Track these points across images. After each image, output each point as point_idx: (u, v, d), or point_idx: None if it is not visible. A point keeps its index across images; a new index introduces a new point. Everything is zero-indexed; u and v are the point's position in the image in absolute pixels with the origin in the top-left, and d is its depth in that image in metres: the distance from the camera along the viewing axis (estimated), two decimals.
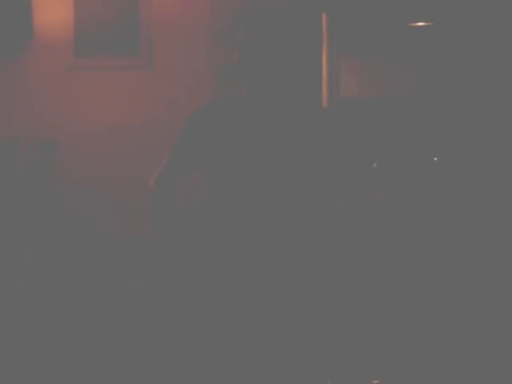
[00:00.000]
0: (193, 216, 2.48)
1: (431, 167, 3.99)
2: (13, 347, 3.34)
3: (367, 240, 3.49)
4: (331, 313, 2.40)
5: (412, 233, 3.70)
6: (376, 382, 3.21)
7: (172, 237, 2.47)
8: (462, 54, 4.00)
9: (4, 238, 3.50)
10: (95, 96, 3.96)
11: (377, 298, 3.50)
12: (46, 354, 3.40)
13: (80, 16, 3.98)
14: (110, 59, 3.95)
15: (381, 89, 4.21)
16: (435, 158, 3.98)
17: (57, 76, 3.99)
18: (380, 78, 4.23)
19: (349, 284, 3.01)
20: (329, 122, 2.43)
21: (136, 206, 3.77)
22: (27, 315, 3.47)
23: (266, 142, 2.32)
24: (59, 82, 3.98)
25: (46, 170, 3.74)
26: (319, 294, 2.36)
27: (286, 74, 2.40)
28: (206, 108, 2.47)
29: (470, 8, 3.85)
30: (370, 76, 4.22)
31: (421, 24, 4.13)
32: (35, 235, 3.63)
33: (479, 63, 3.90)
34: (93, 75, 3.97)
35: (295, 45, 2.31)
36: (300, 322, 2.33)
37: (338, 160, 2.40)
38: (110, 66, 3.95)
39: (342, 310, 2.54)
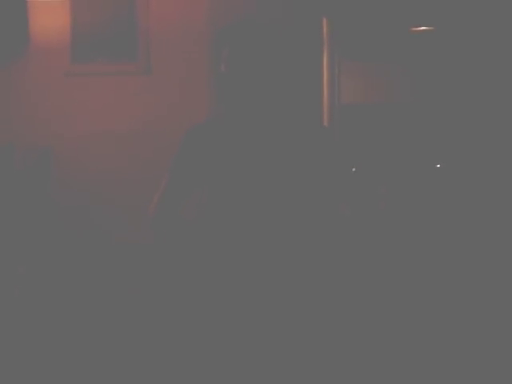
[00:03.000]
0: (195, 232, 2.46)
1: (433, 173, 3.98)
2: (9, 354, 3.33)
3: (370, 246, 3.48)
4: (333, 316, 2.41)
5: (414, 238, 3.70)
6: None
7: (176, 257, 2.48)
8: (463, 59, 4.01)
9: (0, 243, 3.49)
10: (93, 101, 3.94)
11: (378, 302, 3.51)
12: (43, 362, 3.40)
13: (77, 21, 3.96)
14: (108, 65, 3.93)
15: (382, 94, 4.20)
16: (438, 165, 3.96)
17: (54, 81, 3.96)
18: (381, 84, 4.22)
19: (352, 288, 3.00)
20: (328, 134, 2.45)
21: (134, 212, 3.75)
22: (23, 323, 3.46)
23: (265, 154, 2.32)
24: (56, 88, 3.96)
25: (42, 176, 3.73)
26: (321, 298, 2.37)
27: (284, 80, 2.39)
28: (195, 130, 2.46)
29: (470, 13, 3.84)
30: (370, 81, 4.20)
31: (422, 29, 4.13)
32: (32, 242, 3.61)
33: (480, 68, 3.91)
34: (90, 81, 3.95)
35: (294, 51, 2.31)
36: (302, 325, 2.33)
37: (337, 169, 2.40)
38: (107, 72, 3.93)
39: (343, 313, 2.54)
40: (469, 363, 3.34)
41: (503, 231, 3.66)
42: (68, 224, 3.87)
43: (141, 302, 3.65)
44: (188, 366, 2.51)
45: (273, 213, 2.32)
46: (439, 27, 4.00)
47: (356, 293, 3.28)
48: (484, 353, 3.38)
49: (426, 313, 3.58)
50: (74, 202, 3.89)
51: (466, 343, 3.46)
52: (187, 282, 2.48)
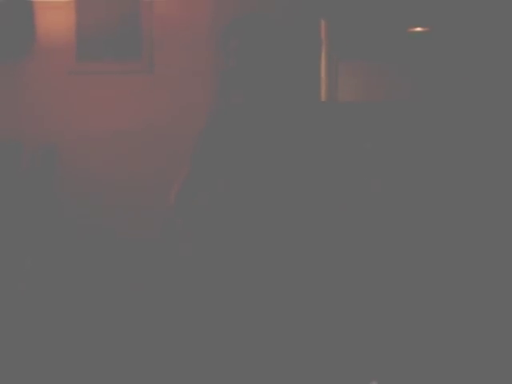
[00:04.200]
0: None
1: (430, 171, 3.99)
2: (13, 350, 3.33)
3: (367, 241, 3.50)
4: (331, 316, 2.40)
5: (414, 238, 3.70)
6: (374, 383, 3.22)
7: (197, 252, 2.42)
8: (461, 59, 4.01)
9: (6, 241, 3.49)
10: (97, 100, 3.96)
11: (377, 301, 3.50)
12: (47, 357, 3.39)
13: (82, 20, 3.98)
14: (112, 63, 3.95)
15: (379, 93, 4.22)
16: (434, 163, 3.99)
17: (59, 80, 3.99)
18: (378, 83, 4.24)
19: (350, 286, 3.02)
20: (327, 126, 2.43)
21: (138, 211, 3.78)
22: (28, 318, 3.46)
23: (267, 147, 2.32)
24: (61, 86, 3.99)
25: (47, 174, 3.73)
26: (319, 297, 2.37)
27: (283, 78, 2.40)
28: (216, 118, 2.45)
29: (468, 13, 3.86)
30: (368, 81, 4.23)
31: (419, 29, 4.14)
32: (37, 239, 3.62)
33: (477, 68, 3.91)
34: (95, 79, 3.97)
35: (293, 50, 2.31)
36: (301, 325, 2.34)
37: (336, 159, 2.39)
38: (111, 70, 3.96)
39: (342, 313, 2.55)
40: (469, 363, 3.32)
41: (503, 231, 3.66)
42: (72, 222, 3.89)
43: (143, 298, 3.65)
44: (188, 366, 2.49)
45: (276, 208, 2.32)
46: (436, 27, 4.02)
47: (356, 290, 3.29)
48: (484, 353, 3.35)
49: (426, 312, 3.56)
50: (78, 199, 3.92)
51: (464, 342, 3.44)
52: (189, 279, 2.46)
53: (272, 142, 2.32)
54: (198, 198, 2.38)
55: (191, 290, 2.48)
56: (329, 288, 2.40)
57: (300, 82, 3.67)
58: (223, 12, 3.77)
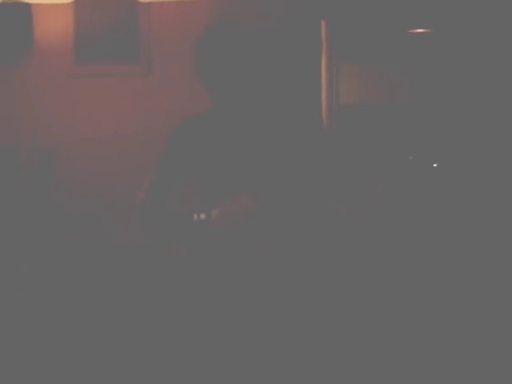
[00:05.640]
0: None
1: (431, 173, 3.99)
2: (10, 356, 3.33)
3: (366, 246, 3.49)
4: (330, 315, 2.41)
5: (412, 238, 3.70)
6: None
7: (164, 245, 2.51)
8: (462, 61, 4.00)
9: (3, 245, 3.49)
10: (95, 103, 3.97)
11: (376, 302, 3.50)
12: (44, 363, 3.39)
13: (80, 23, 3.99)
14: (110, 66, 3.96)
15: (380, 95, 4.21)
16: (434, 165, 3.98)
17: (57, 83, 4.00)
18: (379, 85, 4.23)
19: (349, 287, 3.02)
20: (326, 130, 2.44)
21: (137, 213, 3.76)
22: (25, 324, 3.46)
23: (259, 148, 2.33)
24: (60, 89, 3.99)
25: (46, 177, 3.74)
26: (317, 297, 2.37)
27: (283, 81, 2.41)
28: (184, 124, 2.50)
29: (469, 15, 3.85)
30: (369, 83, 4.22)
31: (420, 31, 4.13)
32: (35, 242, 3.62)
33: (479, 70, 3.91)
34: (93, 82, 3.98)
35: (293, 53, 2.31)
36: (301, 325, 2.34)
37: (335, 165, 2.40)
38: (110, 73, 3.96)
39: (340, 313, 2.55)
40: (469, 363, 3.33)
41: (503, 231, 3.66)
42: (71, 225, 3.88)
43: (141, 301, 3.65)
44: (188, 366, 2.50)
45: (263, 209, 2.32)
46: (438, 29, 4.01)
47: (353, 292, 3.29)
48: (484, 353, 3.36)
49: (425, 312, 3.57)
50: (76, 202, 3.91)
51: (464, 342, 3.44)
52: (183, 280, 2.48)
53: (261, 142, 2.33)
54: (166, 199, 2.47)
55: (182, 289, 2.52)
56: (325, 286, 2.40)
57: (300, 84, 3.67)
58: (220, 15, 3.77)
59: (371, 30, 4.04)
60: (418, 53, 4.14)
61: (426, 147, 4.02)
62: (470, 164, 3.85)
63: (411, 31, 4.10)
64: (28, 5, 3.94)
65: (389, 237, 3.63)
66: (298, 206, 2.35)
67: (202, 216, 2.32)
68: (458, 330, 3.48)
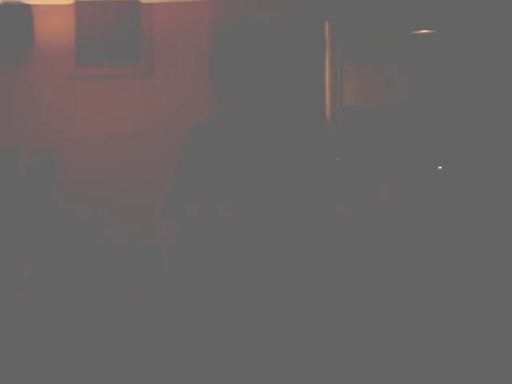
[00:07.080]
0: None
1: (434, 174, 3.99)
2: (12, 356, 3.33)
3: (370, 247, 3.49)
4: (332, 316, 2.40)
5: (415, 239, 3.70)
6: None
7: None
8: (465, 62, 4.01)
9: (5, 246, 3.50)
10: (96, 104, 3.97)
11: (378, 303, 3.51)
12: (46, 364, 3.40)
13: (81, 25, 3.99)
14: (112, 68, 3.96)
15: (384, 96, 4.21)
16: (439, 167, 3.97)
17: (58, 84, 4.00)
18: (383, 86, 4.23)
19: (351, 288, 3.01)
20: (331, 131, 2.43)
21: (137, 214, 3.76)
22: (27, 325, 3.46)
23: (267, 151, 2.32)
24: (61, 90, 4.00)
25: (47, 178, 3.74)
26: (320, 298, 2.36)
27: (287, 81, 2.39)
28: (199, 128, 2.46)
29: (471, 16, 3.86)
30: (372, 84, 4.21)
31: (423, 32, 4.14)
32: (36, 243, 3.62)
33: (481, 70, 3.92)
34: (94, 83, 3.98)
35: (297, 54, 2.30)
36: (301, 326, 2.33)
37: (339, 167, 2.40)
38: (111, 75, 3.96)
39: (342, 314, 2.54)
40: (469, 363, 3.34)
41: (503, 232, 3.66)
42: (72, 225, 3.88)
43: (143, 302, 3.65)
44: (189, 366, 2.49)
45: (275, 211, 2.32)
46: (441, 30, 4.02)
47: (356, 293, 3.29)
48: (484, 353, 3.37)
49: (426, 313, 3.58)
50: (78, 203, 3.91)
51: (464, 342, 3.46)
52: (189, 282, 2.48)
53: (263, 149, 2.32)
54: (186, 209, 2.42)
55: (187, 291, 2.50)
56: (327, 288, 2.39)
57: (305, 85, 3.66)
58: (222, 16, 3.76)
59: (375, 32, 4.04)
60: (421, 54, 4.15)
61: (429, 148, 4.02)
62: (469, 164, 3.85)
63: (415, 32, 4.11)
64: (29, 6, 3.95)
65: (390, 237, 3.63)
66: (302, 206, 2.34)
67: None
68: (458, 330, 3.49)
